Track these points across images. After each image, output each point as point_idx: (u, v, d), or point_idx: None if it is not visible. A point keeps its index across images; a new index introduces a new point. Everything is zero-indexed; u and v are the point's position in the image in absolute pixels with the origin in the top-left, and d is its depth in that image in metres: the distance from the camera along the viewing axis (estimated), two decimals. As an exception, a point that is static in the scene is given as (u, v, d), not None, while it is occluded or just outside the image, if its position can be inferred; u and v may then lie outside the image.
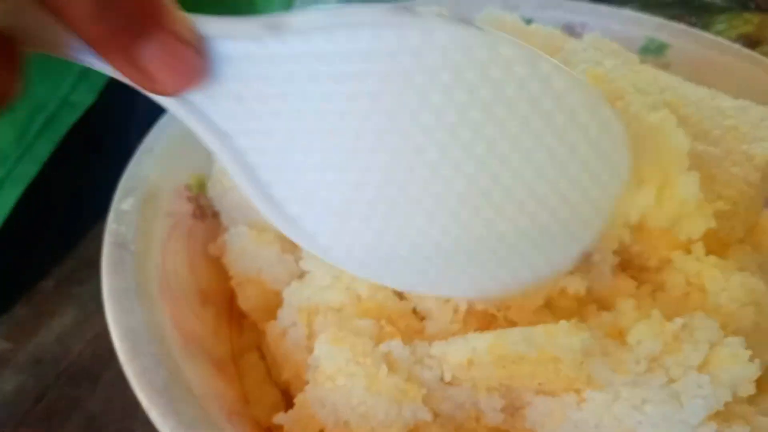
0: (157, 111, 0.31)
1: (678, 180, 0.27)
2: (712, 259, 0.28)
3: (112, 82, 0.23)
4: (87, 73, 0.51)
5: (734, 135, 0.32)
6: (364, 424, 0.24)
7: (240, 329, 0.35)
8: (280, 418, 0.26)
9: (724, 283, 0.27)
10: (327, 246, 0.25)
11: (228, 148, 0.23)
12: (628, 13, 0.43)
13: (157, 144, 0.34)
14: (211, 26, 0.21)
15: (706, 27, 0.59)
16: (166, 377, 0.24)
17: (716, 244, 0.30)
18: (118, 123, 0.56)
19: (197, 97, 0.22)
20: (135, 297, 0.27)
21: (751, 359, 0.25)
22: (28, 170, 0.47)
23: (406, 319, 0.28)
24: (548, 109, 0.23)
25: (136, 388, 0.24)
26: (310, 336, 0.29)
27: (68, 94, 0.49)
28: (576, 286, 0.27)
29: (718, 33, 0.58)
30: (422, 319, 0.29)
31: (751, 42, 0.57)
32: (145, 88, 0.21)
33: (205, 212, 0.36)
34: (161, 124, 0.35)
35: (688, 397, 0.24)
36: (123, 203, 0.30)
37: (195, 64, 0.21)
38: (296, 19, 0.21)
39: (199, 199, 0.35)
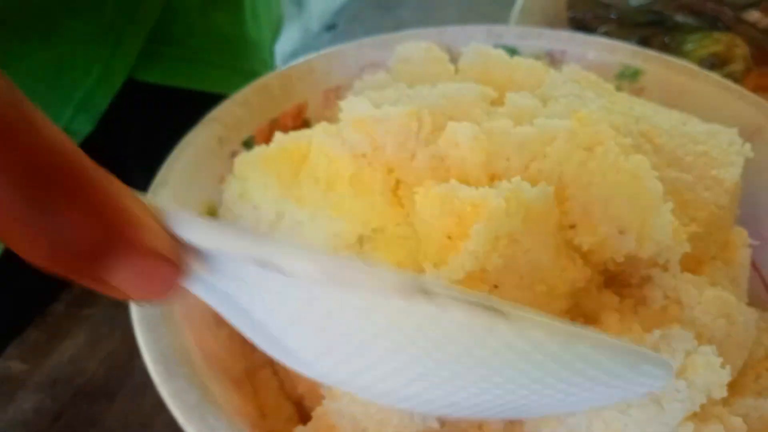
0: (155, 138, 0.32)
1: (655, 223, 0.30)
2: (688, 275, 0.31)
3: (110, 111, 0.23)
4: (86, 103, 0.53)
5: (705, 161, 0.35)
6: (378, 429, 0.27)
7: (252, 347, 0.38)
8: (299, 430, 0.29)
9: (699, 297, 0.30)
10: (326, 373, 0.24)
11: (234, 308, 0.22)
12: (603, 41, 0.46)
13: (170, 177, 0.36)
14: (195, 234, 0.19)
15: (678, 46, 0.62)
16: (197, 396, 0.26)
17: (691, 262, 0.33)
18: (116, 151, 0.58)
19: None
20: (162, 322, 0.29)
21: (723, 366, 0.28)
22: None
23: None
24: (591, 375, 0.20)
25: (172, 408, 0.26)
26: (324, 353, 0.31)
27: (68, 124, 0.51)
28: (562, 306, 0.30)
29: (690, 51, 0.61)
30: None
31: (721, 60, 0.61)
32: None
33: (216, 238, 0.38)
34: (171, 158, 0.37)
35: (667, 401, 0.27)
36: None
37: (170, 279, 0.19)
38: (289, 259, 0.19)
39: (210, 226, 0.38)
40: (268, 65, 0.68)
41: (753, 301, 0.36)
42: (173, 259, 0.19)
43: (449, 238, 0.28)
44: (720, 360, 0.28)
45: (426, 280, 0.19)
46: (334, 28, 0.82)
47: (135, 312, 0.30)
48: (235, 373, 0.34)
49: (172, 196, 0.35)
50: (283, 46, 1.59)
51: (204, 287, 0.21)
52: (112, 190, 0.18)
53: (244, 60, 0.63)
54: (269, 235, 0.19)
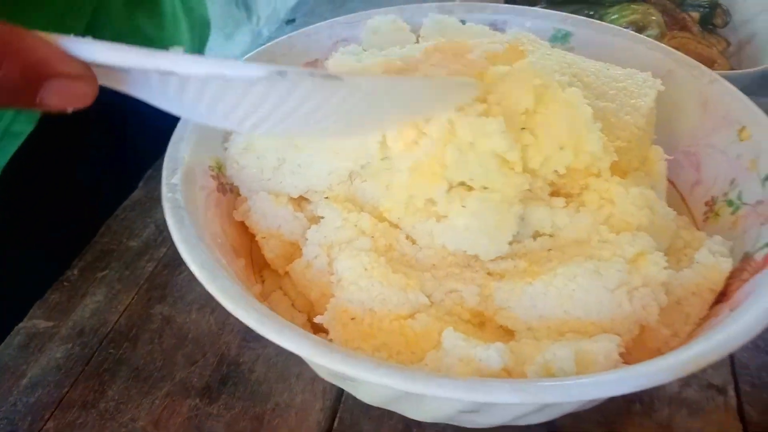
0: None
1: (588, 139, 0.38)
2: (616, 179, 0.39)
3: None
4: None
5: (625, 93, 0.43)
6: (383, 308, 0.34)
7: (261, 277, 0.44)
8: (319, 318, 0.36)
9: (626, 194, 0.38)
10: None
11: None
12: (538, 10, 0.55)
13: (185, 133, 0.42)
14: (103, 55, 0.27)
15: (601, 17, 0.71)
16: (238, 287, 0.33)
17: (619, 172, 0.41)
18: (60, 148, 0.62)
19: None
20: (198, 242, 0.35)
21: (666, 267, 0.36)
22: None
23: (399, 241, 0.38)
24: None
25: (220, 298, 0.32)
26: (330, 263, 0.38)
27: (9, 125, 0.56)
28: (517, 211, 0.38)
29: (612, 21, 0.70)
30: (413, 243, 0.39)
31: (638, 27, 0.70)
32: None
33: (225, 187, 0.44)
34: (183, 121, 0.43)
35: (606, 272, 0.35)
36: (172, 178, 0.39)
37: (85, 90, 0.27)
38: (183, 65, 0.27)
39: (219, 178, 0.44)
40: None
41: (671, 206, 0.44)
42: (84, 75, 0.27)
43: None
44: (665, 262, 0.36)
45: (286, 67, 0.28)
46: (293, 22, 0.89)
47: (175, 235, 0.36)
48: (254, 295, 0.40)
49: (189, 150, 0.41)
50: (235, 49, 1.65)
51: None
52: (29, 43, 0.27)
53: None
54: (163, 52, 0.26)
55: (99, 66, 0.27)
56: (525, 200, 0.38)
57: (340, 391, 0.44)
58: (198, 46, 0.77)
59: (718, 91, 0.45)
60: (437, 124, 0.36)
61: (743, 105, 0.44)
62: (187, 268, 0.35)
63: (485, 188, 0.36)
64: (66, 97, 0.27)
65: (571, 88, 0.39)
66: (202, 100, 0.29)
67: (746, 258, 0.38)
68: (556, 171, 0.38)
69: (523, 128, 0.37)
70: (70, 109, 0.28)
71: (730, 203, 0.43)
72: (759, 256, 0.37)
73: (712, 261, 0.37)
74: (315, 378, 0.45)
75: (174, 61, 0.27)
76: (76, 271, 0.54)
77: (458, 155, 0.35)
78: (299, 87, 0.29)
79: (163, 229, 0.57)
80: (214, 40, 1.73)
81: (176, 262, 0.54)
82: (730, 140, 0.44)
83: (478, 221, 0.35)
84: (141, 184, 0.62)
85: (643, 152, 0.43)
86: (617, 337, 0.33)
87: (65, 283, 0.53)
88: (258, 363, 0.47)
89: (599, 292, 0.35)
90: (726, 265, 0.37)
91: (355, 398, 0.42)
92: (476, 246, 0.37)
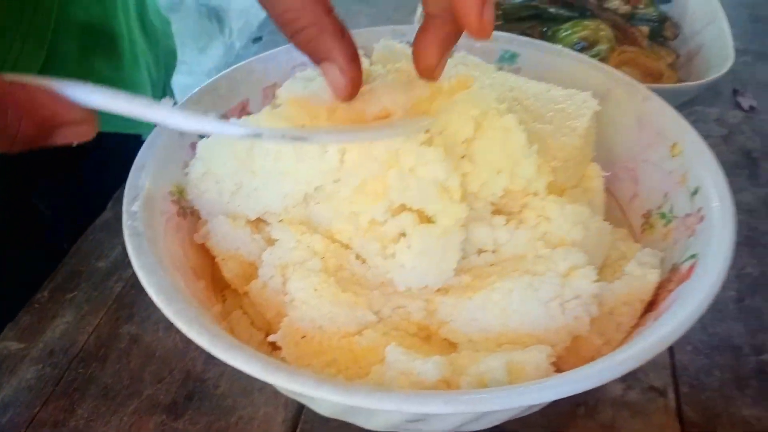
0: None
1: (522, 163, 0.41)
2: (552, 197, 0.42)
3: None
4: None
5: (563, 115, 0.46)
6: (332, 325, 0.36)
7: (223, 297, 0.46)
8: (273, 337, 0.38)
9: (561, 211, 0.41)
10: None
11: None
12: (487, 32, 0.57)
13: (146, 161, 0.44)
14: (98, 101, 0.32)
15: (554, 33, 0.74)
16: (195, 308, 0.35)
17: (556, 190, 0.43)
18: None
19: None
20: (156, 267, 0.37)
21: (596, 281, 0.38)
22: None
23: (349, 261, 0.41)
24: None
25: (176, 321, 0.34)
26: (284, 283, 0.40)
27: None
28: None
29: (564, 37, 0.73)
30: (363, 262, 0.41)
31: (590, 42, 0.73)
32: None
33: (186, 212, 0.46)
34: (145, 147, 0.45)
35: (540, 285, 0.37)
36: (132, 205, 0.41)
37: (89, 129, 0.32)
38: (172, 119, 0.32)
39: (180, 202, 0.46)
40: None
41: (611, 219, 0.47)
42: (87, 119, 0.32)
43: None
44: (595, 276, 0.38)
45: (261, 128, 0.34)
46: (260, 40, 0.91)
47: (134, 261, 0.38)
48: (213, 315, 0.43)
49: (150, 177, 0.43)
50: (208, 62, 1.67)
51: None
52: (41, 100, 0.31)
53: None
54: (146, 100, 0.32)
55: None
56: (468, 221, 0.40)
57: (301, 405, 0.47)
58: (163, 76, 0.79)
59: (652, 108, 0.48)
60: (384, 148, 0.38)
61: (675, 121, 0.47)
62: (152, 290, 0.37)
63: (428, 219, 0.39)
64: (72, 138, 0.32)
65: (507, 115, 0.41)
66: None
67: (674, 269, 0.41)
68: (494, 194, 0.41)
69: (463, 156, 0.40)
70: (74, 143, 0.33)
71: (663, 216, 0.46)
72: (684, 267, 0.40)
73: (640, 272, 0.40)
74: (277, 392, 0.47)
75: (167, 116, 0.32)
76: (46, 293, 0.56)
77: (400, 179, 0.37)
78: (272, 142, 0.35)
79: (131, 249, 0.59)
80: (188, 54, 1.75)
81: (144, 281, 0.56)
82: (663, 156, 0.47)
83: (423, 259, 0.38)
84: (110, 205, 0.63)
85: (580, 170, 0.45)
86: (548, 348, 0.35)
87: (36, 305, 0.55)
88: (222, 378, 0.49)
89: (533, 305, 0.37)
90: (653, 276, 0.40)
91: (315, 411, 0.44)
92: (424, 281, 0.39)
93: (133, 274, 0.56)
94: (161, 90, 0.80)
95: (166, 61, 0.80)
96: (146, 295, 0.54)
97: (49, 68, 0.60)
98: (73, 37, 0.63)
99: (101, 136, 0.35)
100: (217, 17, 1.58)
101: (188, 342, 0.51)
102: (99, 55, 0.66)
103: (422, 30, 0.38)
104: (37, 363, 0.50)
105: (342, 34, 0.36)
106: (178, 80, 0.87)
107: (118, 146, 0.44)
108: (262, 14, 1.31)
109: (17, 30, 0.56)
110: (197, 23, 1.54)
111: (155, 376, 0.49)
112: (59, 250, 0.59)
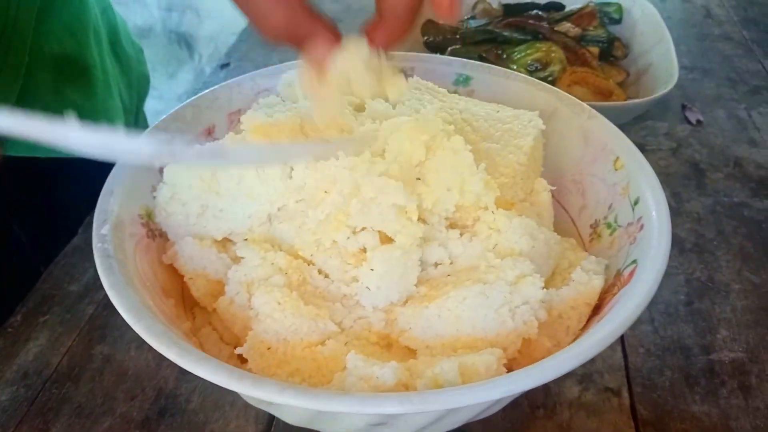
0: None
1: (470, 180, 0.43)
2: (501, 211, 0.44)
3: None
4: None
5: (510, 134, 0.49)
6: (295, 337, 0.38)
7: (192, 315, 0.48)
8: (240, 350, 0.40)
9: (510, 223, 0.44)
10: None
11: None
12: (441, 57, 0.60)
13: (115, 187, 0.46)
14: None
15: (509, 56, 0.77)
16: (163, 324, 0.37)
17: (506, 204, 0.46)
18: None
19: None
20: (126, 287, 0.39)
21: (543, 287, 0.41)
22: None
23: (312, 276, 0.43)
24: None
25: (144, 334, 0.36)
26: (250, 298, 0.42)
27: None
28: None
29: (518, 59, 0.77)
30: (326, 276, 0.43)
31: (542, 64, 0.76)
32: None
33: (154, 233, 0.48)
34: (114, 173, 0.47)
35: (491, 293, 0.40)
36: (102, 229, 0.43)
37: None
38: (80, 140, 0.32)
39: (149, 224, 0.48)
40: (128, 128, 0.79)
41: (563, 230, 0.50)
42: None
43: (325, 192, 0.40)
44: (542, 283, 0.41)
45: (174, 145, 0.35)
46: (227, 66, 0.93)
47: (105, 281, 0.39)
48: (183, 331, 0.44)
49: (119, 202, 0.45)
50: (178, 87, 1.69)
51: None
52: None
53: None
54: (59, 124, 0.31)
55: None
56: (425, 237, 0.43)
57: (271, 417, 0.48)
58: (136, 101, 0.81)
59: (596, 125, 0.51)
60: (345, 182, 0.41)
61: (617, 138, 0.50)
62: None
63: (387, 237, 0.41)
64: None
65: (455, 136, 0.44)
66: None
67: (618, 274, 0.44)
68: (446, 209, 0.43)
69: (418, 178, 0.42)
70: None
71: (608, 225, 0.49)
72: (626, 273, 0.43)
73: (585, 279, 0.43)
74: (248, 405, 0.49)
75: (68, 136, 0.31)
76: (19, 317, 0.57)
77: (361, 208, 0.40)
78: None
79: (102, 272, 0.60)
80: (158, 80, 1.77)
81: (116, 303, 0.57)
82: (607, 169, 0.50)
83: (386, 279, 0.41)
84: (80, 230, 0.65)
85: (528, 185, 0.48)
86: (498, 351, 0.38)
87: (9, 330, 0.56)
88: (194, 394, 0.50)
89: (485, 311, 0.40)
90: (598, 281, 0.43)
91: (285, 422, 0.46)
92: (388, 299, 0.41)
93: (105, 296, 0.58)
94: (134, 115, 0.82)
95: (139, 87, 0.82)
96: (118, 316, 0.56)
97: (25, 98, 0.61)
98: (47, 69, 0.65)
99: (74, 159, 0.35)
100: (186, 43, 1.61)
101: (160, 360, 0.53)
102: (73, 84, 0.68)
103: None
104: (11, 385, 0.52)
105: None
106: (149, 105, 0.89)
107: (93, 169, 0.45)
108: (230, 40, 1.34)
109: None
110: (167, 49, 1.56)
111: (128, 393, 0.51)
112: (34, 273, 0.60)
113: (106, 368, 0.53)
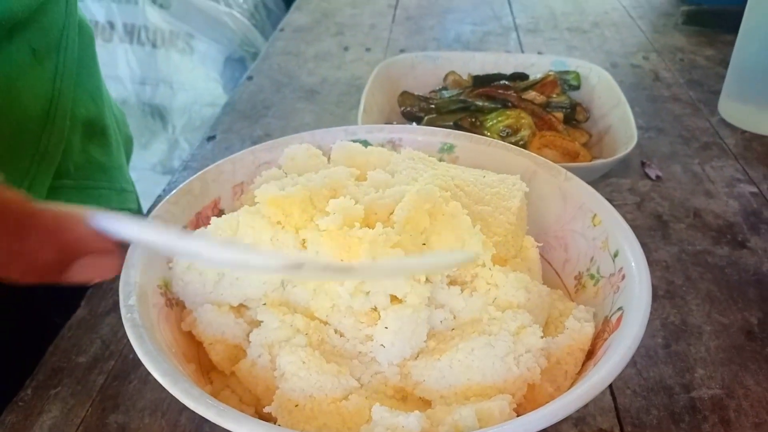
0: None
1: (469, 241, 0.48)
2: (498, 267, 0.49)
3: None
4: None
5: (498, 197, 0.54)
6: (321, 393, 0.41)
7: (210, 379, 0.50)
8: (268, 408, 0.42)
9: (506, 278, 0.48)
10: None
11: None
12: (427, 128, 0.65)
13: (133, 260, 0.49)
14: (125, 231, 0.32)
15: (482, 123, 0.83)
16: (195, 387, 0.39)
17: (500, 261, 0.51)
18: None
19: None
20: (158, 354, 0.42)
21: (542, 336, 0.45)
22: None
23: (329, 335, 0.46)
24: None
25: (182, 397, 0.39)
26: (272, 359, 0.45)
27: None
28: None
29: (491, 126, 0.83)
30: (341, 335, 0.47)
31: (513, 130, 0.82)
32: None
33: (172, 302, 0.51)
34: (132, 247, 0.50)
35: (496, 343, 0.44)
36: (129, 300, 0.45)
37: (111, 265, 0.31)
38: (209, 251, 0.34)
39: (167, 294, 0.51)
40: (130, 182, 0.87)
41: (550, 282, 0.54)
42: (113, 251, 0.31)
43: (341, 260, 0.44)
44: (541, 332, 0.45)
45: (301, 259, 0.39)
46: (213, 139, 0.97)
47: (138, 349, 0.42)
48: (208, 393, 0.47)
49: (139, 274, 0.48)
50: (152, 157, 1.72)
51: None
52: (61, 222, 0.30)
53: (115, 180, 0.82)
54: (191, 236, 0.32)
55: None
56: (430, 297, 0.47)
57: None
58: (126, 160, 0.87)
59: (573, 186, 0.57)
60: (364, 252, 0.45)
61: (593, 197, 0.55)
62: (136, 377, 0.40)
63: (396, 297, 0.45)
64: (93, 272, 0.30)
65: (452, 202, 0.48)
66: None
67: (605, 321, 0.48)
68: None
69: (423, 243, 0.46)
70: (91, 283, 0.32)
71: (591, 276, 0.53)
72: (614, 319, 0.47)
73: (578, 326, 0.47)
74: (263, 464, 0.51)
75: (202, 247, 0.31)
76: (29, 391, 0.58)
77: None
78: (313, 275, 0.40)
79: (109, 343, 0.62)
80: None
81: (125, 372, 0.59)
82: (586, 225, 0.55)
83: (399, 336, 0.44)
84: (83, 303, 0.67)
85: (518, 243, 0.53)
86: (508, 396, 0.41)
87: (20, 404, 0.57)
88: (210, 457, 0.52)
89: (493, 360, 0.43)
90: (589, 328, 0.47)
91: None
92: (402, 355, 0.45)
93: (115, 366, 0.60)
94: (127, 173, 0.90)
95: (126, 148, 0.88)
96: (129, 384, 0.59)
97: (63, 158, 0.68)
98: (78, 131, 0.72)
99: None
100: (159, 115, 1.64)
101: (174, 425, 0.55)
102: (95, 144, 0.76)
103: None
104: (27, 460, 0.53)
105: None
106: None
107: None
108: (204, 112, 1.37)
109: (36, 151, 0.62)
110: (140, 121, 1.60)
111: (146, 461, 0.52)
112: (40, 349, 0.62)
113: (122, 437, 0.54)
